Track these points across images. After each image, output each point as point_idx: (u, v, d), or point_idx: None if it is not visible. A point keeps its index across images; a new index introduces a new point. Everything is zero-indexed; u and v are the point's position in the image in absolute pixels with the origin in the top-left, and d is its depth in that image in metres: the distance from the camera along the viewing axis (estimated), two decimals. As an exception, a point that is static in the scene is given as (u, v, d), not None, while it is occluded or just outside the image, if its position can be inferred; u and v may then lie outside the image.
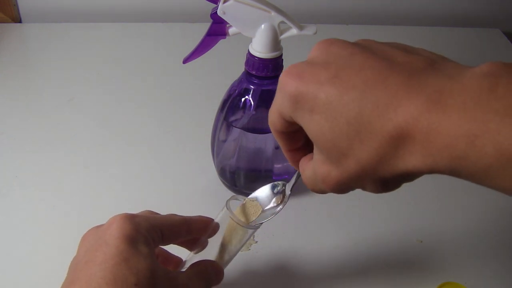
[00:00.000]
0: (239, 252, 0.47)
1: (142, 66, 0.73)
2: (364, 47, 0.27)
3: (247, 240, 0.39)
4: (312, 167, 0.30)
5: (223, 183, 0.53)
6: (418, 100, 0.23)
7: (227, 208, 0.37)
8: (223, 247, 0.38)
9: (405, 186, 0.59)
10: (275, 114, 0.29)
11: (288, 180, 0.52)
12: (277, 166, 0.50)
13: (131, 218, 0.33)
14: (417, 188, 0.55)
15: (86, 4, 0.83)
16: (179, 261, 0.40)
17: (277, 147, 0.48)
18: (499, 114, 0.21)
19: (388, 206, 0.53)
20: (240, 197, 0.39)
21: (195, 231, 0.38)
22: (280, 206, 0.38)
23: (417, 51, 0.27)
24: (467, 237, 0.50)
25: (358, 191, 0.56)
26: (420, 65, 0.25)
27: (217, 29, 0.44)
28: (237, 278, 0.45)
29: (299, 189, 0.54)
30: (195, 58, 0.46)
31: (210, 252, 0.39)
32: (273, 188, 0.39)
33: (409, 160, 0.24)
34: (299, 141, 0.31)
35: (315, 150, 0.29)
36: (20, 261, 0.45)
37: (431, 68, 0.24)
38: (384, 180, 0.26)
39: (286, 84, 0.27)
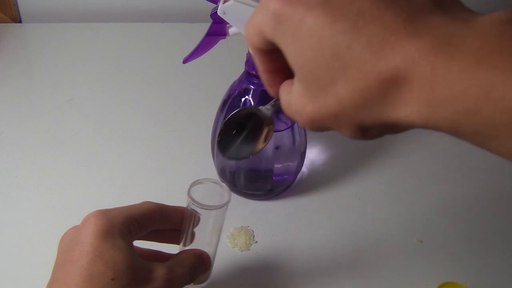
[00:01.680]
0: (241, 252, 0.47)
1: (142, 66, 0.73)
2: None
3: (220, 223, 0.38)
4: (289, 93, 0.27)
5: (223, 183, 0.53)
6: (421, 40, 0.20)
7: (187, 195, 0.35)
8: (200, 235, 0.38)
9: (405, 186, 0.59)
10: (253, 29, 0.26)
11: (288, 180, 0.52)
12: (277, 166, 0.50)
13: (104, 214, 0.33)
14: (417, 187, 0.56)
15: (86, 4, 0.83)
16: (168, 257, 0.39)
17: (277, 147, 0.48)
18: None
19: (388, 206, 0.53)
20: (203, 179, 0.37)
21: (170, 219, 0.37)
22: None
23: None
24: (467, 237, 0.50)
25: (358, 191, 0.56)
26: (425, 2, 0.22)
27: (217, 29, 0.44)
28: (237, 278, 0.45)
29: (299, 189, 0.54)
30: (195, 58, 0.46)
31: (194, 243, 0.38)
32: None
33: (401, 108, 0.21)
34: (278, 61, 0.26)
35: (295, 78, 0.26)
36: (20, 261, 0.45)
37: (438, 7, 0.21)
38: (364, 126, 0.23)
39: (270, 0, 0.24)
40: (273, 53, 0.26)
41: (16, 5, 0.80)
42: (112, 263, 0.30)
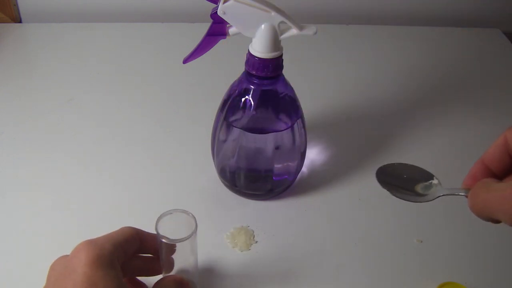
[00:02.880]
0: (241, 252, 0.47)
1: (142, 66, 0.73)
2: None
3: (193, 247, 0.39)
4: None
5: (223, 183, 0.53)
6: None
7: (155, 229, 0.37)
8: (177, 261, 0.39)
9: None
10: None
11: (288, 180, 0.52)
12: (277, 166, 0.50)
13: (94, 243, 0.34)
14: (417, 188, 0.56)
15: (86, 4, 0.83)
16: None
17: (277, 147, 0.48)
18: None
19: (388, 206, 0.53)
20: (172, 210, 0.38)
21: (148, 243, 0.38)
22: None
23: None
24: (467, 237, 0.50)
25: (358, 191, 0.56)
26: None
27: (217, 29, 0.44)
28: (237, 278, 0.45)
29: (299, 189, 0.54)
30: (195, 58, 0.46)
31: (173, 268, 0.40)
32: None
33: None
34: (505, 165, 0.29)
35: None
36: (19, 262, 0.45)
37: None
38: None
39: None
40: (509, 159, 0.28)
41: (16, 5, 0.80)
42: None
